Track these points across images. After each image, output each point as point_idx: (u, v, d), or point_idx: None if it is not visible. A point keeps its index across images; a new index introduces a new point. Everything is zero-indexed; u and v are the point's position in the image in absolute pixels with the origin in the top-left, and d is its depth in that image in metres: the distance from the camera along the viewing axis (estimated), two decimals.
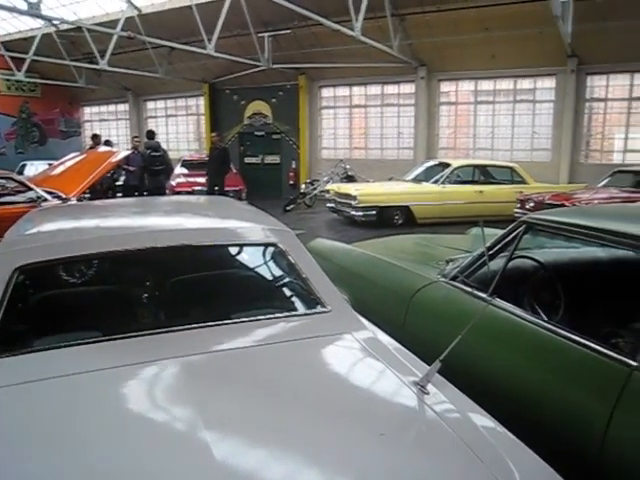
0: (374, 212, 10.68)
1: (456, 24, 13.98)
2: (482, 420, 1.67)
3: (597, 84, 14.69)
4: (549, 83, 15.01)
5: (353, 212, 10.82)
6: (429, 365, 1.80)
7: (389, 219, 10.72)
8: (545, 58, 14.17)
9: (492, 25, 13.72)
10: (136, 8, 14.35)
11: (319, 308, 2.20)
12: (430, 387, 1.73)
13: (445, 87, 16.21)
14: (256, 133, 18.72)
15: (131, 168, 11.49)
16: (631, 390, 1.79)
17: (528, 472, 1.45)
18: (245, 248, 2.73)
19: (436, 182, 11.10)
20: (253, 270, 2.79)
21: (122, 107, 22.85)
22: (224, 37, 12.99)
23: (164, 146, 13.46)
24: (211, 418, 1.55)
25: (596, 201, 9.22)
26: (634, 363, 1.84)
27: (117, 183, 12.31)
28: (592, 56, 13.93)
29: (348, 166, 14.73)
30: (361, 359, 2.01)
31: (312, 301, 2.24)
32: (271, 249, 2.56)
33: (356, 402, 1.72)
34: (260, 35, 15.03)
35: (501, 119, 15.63)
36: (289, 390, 1.76)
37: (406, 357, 1.99)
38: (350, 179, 14.17)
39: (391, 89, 16.88)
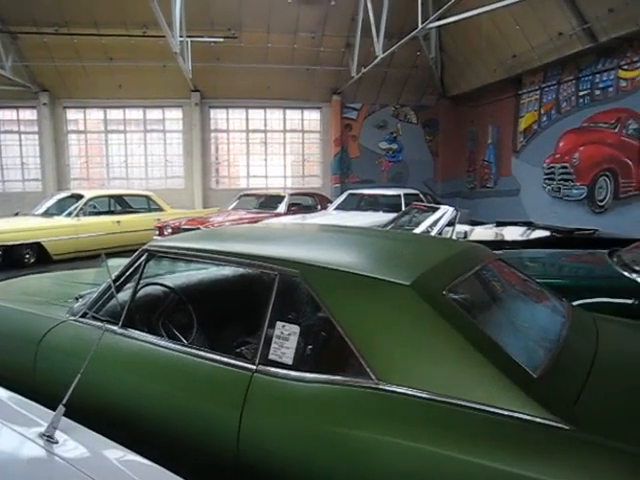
0: None
1: (78, 50, 13.60)
2: (117, 454, 1.65)
3: (220, 117, 16.18)
4: (177, 114, 15.84)
5: None
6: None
7: (18, 259, 9.62)
8: (171, 91, 14.93)
9: (116, 55, 13.80)
10: None
11: None
12: (59, 434, 1.63)
13: (72, 115, 15.56)
14: None
15: None
16: (253, 391, 2.00)
17: None
18: None
19: (70, 215, 10.50)
20: None
21: None
22: None
23: None
24: None
25: (227, 223, 10.07)
26: (254, 366, 2.06)
27: None
28: (212, 91, 15.30)
29: None
30: None
31: None
32: None
33: None
34: None
35: (134, 148, 15.81)
36: None
37: (30, 409, 1.82)
38: None
39: (9, 114, 15.35)
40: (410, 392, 1.76)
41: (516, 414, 1.62)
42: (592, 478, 1.44)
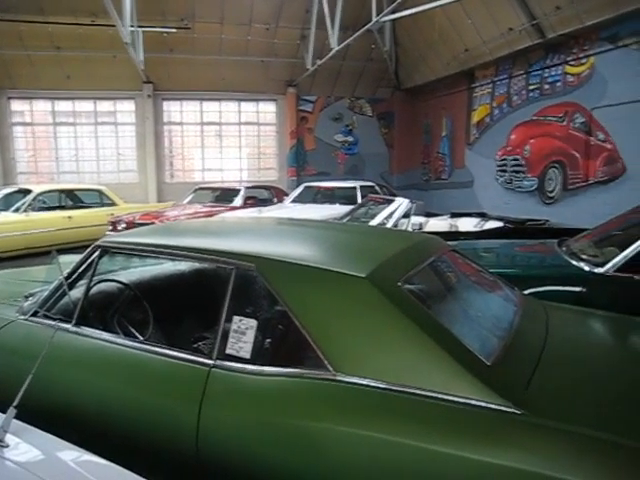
0: None
1: (22, 38, 13.13)
2: (73, 455, 1.61)
3: (173, 109, 15.89)
4: (129, 106, 15.49)
5: None
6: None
7: None
8: (122, 82, 14.58)
9: (64, 44, 13.39)
10: None
11: None
12: (10, 438, 1.58)
13: (18, 106, 15.01)
14: None
15: None
16: (211, 385, 1.99)
17: None
18: None
19: (18, 210, 10.17)
20: None
21: None
22: None
23: None
24: None
25: (183, 217, 9.91)
26: (211, 361, 2.05)
27: None
28: (165, 83, 15.01)
29: None
30: None
31: None
32: None
33: None
34: None
35: (84, 141, 15.37)
36: None
37: None
38: None
39: None
40: (367, 382, 1.78)
41: (471, 401, 1.66)
42: (541, 459, 1.49)
